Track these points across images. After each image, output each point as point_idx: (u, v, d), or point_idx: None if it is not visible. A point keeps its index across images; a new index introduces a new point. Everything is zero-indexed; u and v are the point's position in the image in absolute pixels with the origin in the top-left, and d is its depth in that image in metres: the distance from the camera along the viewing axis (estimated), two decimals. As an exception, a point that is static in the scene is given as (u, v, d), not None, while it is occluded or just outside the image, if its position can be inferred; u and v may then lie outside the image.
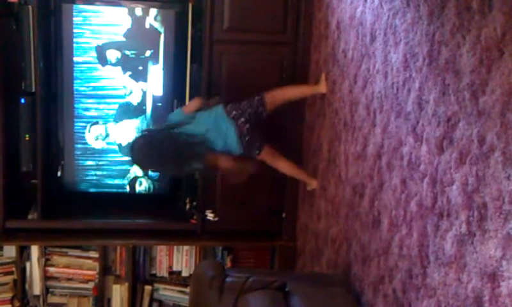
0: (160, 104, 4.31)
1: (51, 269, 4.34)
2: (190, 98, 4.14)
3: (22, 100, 4.01)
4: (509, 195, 1.71)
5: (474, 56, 1.93)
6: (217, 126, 3.54)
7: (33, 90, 3.98)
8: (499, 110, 1.78)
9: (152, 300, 4.53)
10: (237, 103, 3.62)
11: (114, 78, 4.25)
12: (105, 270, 4.44)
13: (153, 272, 4.53)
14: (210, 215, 4.26)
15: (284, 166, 3.81)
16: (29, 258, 4.28)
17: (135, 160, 3.67)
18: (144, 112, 4.31)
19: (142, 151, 3.50)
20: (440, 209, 2.14)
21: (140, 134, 3.71)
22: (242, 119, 3.54)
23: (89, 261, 4.38)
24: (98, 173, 4.40)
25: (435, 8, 2.23)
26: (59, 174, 4.31)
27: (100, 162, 4.39)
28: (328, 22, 3.69)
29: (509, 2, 1.74)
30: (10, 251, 4.26)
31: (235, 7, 4.01)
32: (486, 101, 1.86)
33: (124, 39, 4.18)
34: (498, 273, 1.76)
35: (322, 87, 3.68)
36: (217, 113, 3.58)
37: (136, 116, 4.32)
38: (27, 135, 4.05)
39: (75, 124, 4.28)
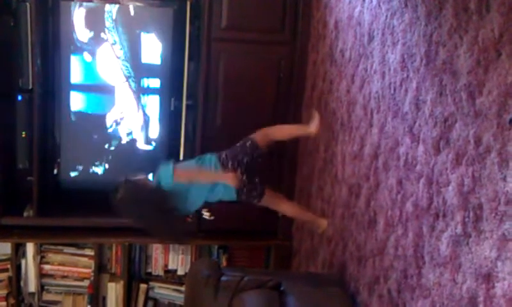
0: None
1: (46, 266, 4.34)
2: (187, 97, 4.14)
3: (19, 97, 4.00)
4: (505, 196, 1.71)
5: (471, 57, 1.93)
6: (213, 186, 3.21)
7: (30, 87, 3.97)
8: (496, 111, 1.78)
9: (147, 298, 4.52)
10: (231, 151, 3.25)
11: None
12: (101, 268, 4.43)
13: (149, 270, 4.52)
14: (206, 214, 4.26)
15: (288, 209, 3.55)
16: (24, 255, 4.27)
17: (122, 208, 3.20)
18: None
19: (127, 202, 3.12)
20: (436, 210, 2.14)
21: (129, 185, 3.31)
22: (240, 170, 3.19)
23: (85, 259, 4.37)
24: (95, 170, 4.40)
25: (433, 9, 2.24)
26: (55, 171, 4.30)
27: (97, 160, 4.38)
28: (326, 22, 3.69)
29: (507, 4, 1.74)
30: (5, 248, 4.25)
31: (234, 6, 4.01)
32: (482, 102, 1.86)
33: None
34: (493, 274, 1.76)
35: (312, 127, 3.34)
36: (210, 165, 3.21)
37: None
38: (23, 133, 4.05)
39: (72, 121, 4.27)
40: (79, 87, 4.25)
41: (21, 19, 3.89)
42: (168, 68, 4.26)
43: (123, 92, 4.29)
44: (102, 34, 4.18)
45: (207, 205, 3.31)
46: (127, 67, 4.25)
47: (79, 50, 4.17)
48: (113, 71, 4.24)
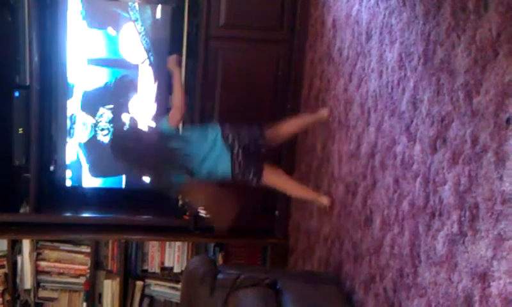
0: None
1: (42, 263, 4.33)
2: (185, 94, 4.13)
3: (16, 94, 3.99)
4: (501, 195, 1.71)
5: (469, 56, 1.94)
6: (212, 148, 3.28)
7: (27, 83, 3.96)
8: (493, 111, 1.78)
9: (143, 295, 4.52)
10: (235, 128, 3.34)
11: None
12: (97, 265, 4.43)
13: (145, 267, 4.52)
14: (202, 212, 4.25)
15: (289, 187, 3.60)
16: (20, 251, 4.27)
17: (113, 150, 3.30)
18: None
19: (125, 144, 3.25)
20: (432, 209, 2.14)
21: (129, 129, 3.36)
22: (238, 147, 3.27)
23: (81, 256, 4.37)
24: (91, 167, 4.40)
25: (431, 8, 2.24)
26: (51, 168, 4.29)
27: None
28: (324, 20, 3.69)
29: (505, 3, 1.74)
30: (1, 244, 4.24)
31: (232, 4, 4.01)
32: (479, 101, 1.86)
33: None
34: (488, 273, 1.76)
35: (324, 111, 3.51)
36: (213, 135, 3.29)
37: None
38: (20, 129, 4.03)
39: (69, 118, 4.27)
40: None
41: (18, 15, 3.87)
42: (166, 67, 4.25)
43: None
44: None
45: (209, 176, 3.28)
46: (146, 41, 4.25)
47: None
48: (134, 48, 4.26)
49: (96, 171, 4.39)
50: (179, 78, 3.42)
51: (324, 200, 3.44)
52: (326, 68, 3.60)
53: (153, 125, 3.45)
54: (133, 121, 3.29)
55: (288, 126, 3.62)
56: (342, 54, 3.32)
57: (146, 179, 3.66)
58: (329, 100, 3.51)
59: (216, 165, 3.28)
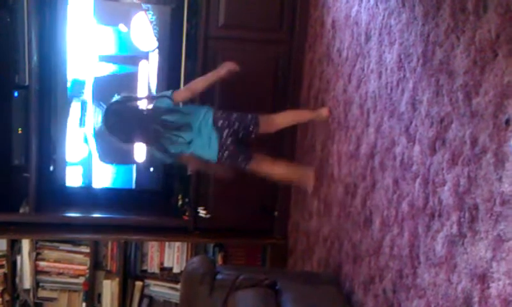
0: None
1: (42, 263, 4.33)
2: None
3: (15, 94, 3.99)
4: (500, 197, 1.72)
5: (468, 57, 1.94)
6: (200, 131, 3.38)
7: (27, 83, 3.96)
8: (492, 112, 1.78)
9: (142, 296, 4.52)
10: (227, 113, 3.43)
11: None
12: (96, 265, 4.43)
13: (145, 268, 4.52)
14: (202, 212, 4.26)
15: (277, 171, 3.64)
16: (20, 251, 4.27)
17: (106, 121, 3.41)
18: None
19: (116, 116, 3.37)
20: (432, 210, 2.15)
21: (121, 101, 3.49)
22: (227, 132, 3.36)
23: (80, 256, 4.36)
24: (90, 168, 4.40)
25: (430, 9, 2.24)
26: (51, 168, 4.29)
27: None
28: (324, 21, 3.69)
29: (504, 4, 1.74)
30: (1, 244, 4.24)
31: (231, 4, 4.01)
32: (479, 102, 1.86)
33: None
34: (488, 274, 1.76)
35: (324, 111, 3.52)
36: (204, 118, 3.40)
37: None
38: (19, 129, 4.03)
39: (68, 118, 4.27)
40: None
41: (18, 15, 3.87)
42: (165, 66, 4.25)
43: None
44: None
45: (196, 152, 3.43)
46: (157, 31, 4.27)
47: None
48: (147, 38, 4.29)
49: (107, 158, 4.38)
50: (216, 77, 3.56)
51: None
52: (325, 69, 3.60)
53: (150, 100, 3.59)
54: (125, 97, 3.42)
55: (285, 118, 3.67)
56: (342, 54, 3.32)
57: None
58: (328, 100, 3.51)
59: (203, 147, 3.38)
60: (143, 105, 3.51)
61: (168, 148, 3.38)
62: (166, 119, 3.35)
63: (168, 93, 3.46)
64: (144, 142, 3.53)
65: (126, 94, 3.47)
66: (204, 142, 3.37)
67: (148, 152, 3.69)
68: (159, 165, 4.36)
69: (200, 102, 3.84)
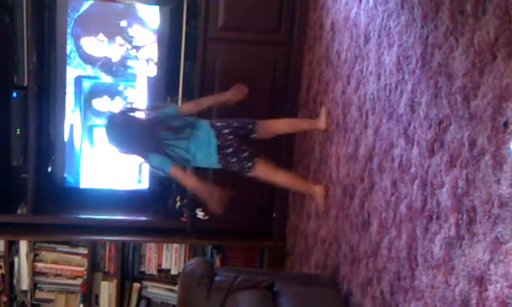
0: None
1: (39, 264, 4.33)
2: (183, 96, 4.14)
3: (14, 94, 3.99)
4: (498, 199, 1.71)
5: (467, 59, 1.94)
6: (200, 138, 3.34)
7: (25, 84, 3.96)
8: (490, 114, 1.78)
9: (140, 297, 4.52)
10: (224, 119, 3.42)
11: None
12: (94, 266, 4.42)
13: (142, 269, 4.52)
14: (200, 214, 4.25)
15: (282, 179, 3.53)
16: (17, 252, 4.26)
17: (107, 133, 3.42)
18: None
19: (117, 127, 3.36)
20: (430, 212, 2.14)
21: (123, 112, 3.53)
22: (226, 130, 3.32)
23: (78, 258, 4.36)
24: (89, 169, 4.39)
25: (429, 11, 2.24)
26: (49, 169, 4.29)
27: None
28: (323, 23, 3.70)
29: (503, 6, 1.74)
30: (-2, 245, 4.25)
31: (230, 6, 4.01)
32: (477, 104, 1.86)
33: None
34: (485, 277, 1.76)
35: (321, 123, 3.46)
36: (206, 126, 3.37)
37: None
38: (18, 130, 4.03)
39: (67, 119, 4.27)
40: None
41: (17, 15, 3.87)
42: (164, 67, 4.25)
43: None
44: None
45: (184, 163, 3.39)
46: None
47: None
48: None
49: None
50: (224, 98, 3.61)
51: (318, 189, 3.44)
52: (324, 70, 3.60)
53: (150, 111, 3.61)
54: (126, 107, 3.46)
55: (282, 125, 3.66)
56: (340, 56, 3.32)
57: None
58: (327, 102, 3.51)
59: (203, 153, 3.34)
60: (146, 115, 3.53)
61: (170, 154, 3.31)
62: (170, 123, 3.35)
63: (173, 107, 3.51)
64: (144, 151, 3.40)
65: (129, 105, 3.49)
66: (204, 148, 3.33)
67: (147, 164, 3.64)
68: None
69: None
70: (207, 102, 3.59)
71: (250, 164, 3.33)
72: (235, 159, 3.33)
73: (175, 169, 3.31)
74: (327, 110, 3.47)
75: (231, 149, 3.32)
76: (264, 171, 3.38)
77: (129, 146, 3.37)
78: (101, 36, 4.19)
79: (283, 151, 4.18)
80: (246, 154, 3.33)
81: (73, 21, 4.11)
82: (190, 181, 3.41)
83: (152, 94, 4.31)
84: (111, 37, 4.20)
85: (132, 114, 3.46)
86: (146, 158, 3.40)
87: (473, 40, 1.90)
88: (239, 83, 3.61)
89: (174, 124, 3.35)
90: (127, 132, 3.34)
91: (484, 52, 1.84)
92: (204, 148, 3.34)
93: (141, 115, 3.49)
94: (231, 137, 3.32)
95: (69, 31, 4.11)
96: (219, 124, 3.37)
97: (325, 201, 3.41)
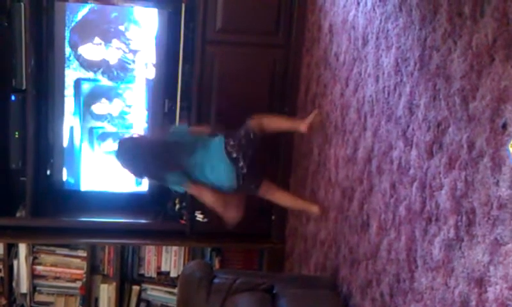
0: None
1: (39, 267, 4.32)
2: (181, 98, 4.14)
3: (13, 97, 3.99)
4: (497, 200, 1.72)
5: (465, 62, 1.94)
6: (212, 161, 3.27)
7: (24, 87, 3.96)
8: (489, 116, 1.78)
9: (139, 300, 4.52)
10: (235, 139, 3.27)
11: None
12: (93, 269, 4.42)
13: (142, 272, 4.52)
14: (199, 216, 4.25)
15: (283, 199, 3.56)
16: (16, 255, 4.26)
17: (120, 159, 3.40)
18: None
19: (128, 152, 3.35)
20: (429, 214, 2.15)
21: (131, 137, 3.56)
22: (242, 163, 3.24)
23: (77, 260, 4.36)
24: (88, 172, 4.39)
25: (427, 13, 2.24)
26: (48, 172, 4.29)
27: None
28: (321, 25, 3.70)
29: (501, 8, 1.74)
30: (-3, 248, 4.24)
31: (228, 8, 4.01)
32: (476, 106, 1.86)
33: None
34: (485, 278, 1.76)
35: (302, 126, 3.36)
36: (219, 145, 3.28)
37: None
38: (16, 133, 4.03)
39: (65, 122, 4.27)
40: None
41: (15, 19, 3.87)
42: (163, 70, 4.26)
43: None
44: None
45: (208, 184, 3.31)
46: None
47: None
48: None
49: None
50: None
51: (315, 209, 3.45)
52: (322, 73, 3.61)
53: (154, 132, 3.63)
54: (135, 133, 3.48)
55: (279, 124, 3.56)
56: (339, 58, 3.33)
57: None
58: (325, 104, 3.51)
59: (220, 176, 3.26)
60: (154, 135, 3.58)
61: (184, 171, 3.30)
62: (179, 140, 3.33)
63: (183, 128, 3.54)
64: (159, 171, 3.37)
65: (136, 134, 3.54)
66: (218, 172, 3.27)
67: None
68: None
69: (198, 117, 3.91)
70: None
71: (256, 188, 3.34)
72: (244, 185, 3.31)
73: (192, 184, 3.29)
74: (319, 114, 3.42)
75: (244, 181, 3.28)
76: (266, 193, 3.40)
77: (143, 168, 3.34)
78: (97, 39, 4.20)
79: (281, 154, 4.18)
80: (255, 183, 3.34)
81: (69, 31, 4.11)
82: (207, 196, 3.34)
83: (150, 97, 4.31)
84: (107, 40, 4.20)
85: (140, 136, 3.47)
86: (161, 179, 3.38)
87: (472, 42, 1.90)
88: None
89: (185, 141, 3.32)
90: (138, 154, 3.31)
91: (482, 54, 1.84)
92: (219, 173, 3.28)
93: (149, 136, 3.51)
94: (246, 168, 3.25)
95: (67, 36, 4.11)
96: (235, 155, 3.24)
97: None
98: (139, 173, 3.48)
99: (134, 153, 3.32)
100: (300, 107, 4.08)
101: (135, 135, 3.51)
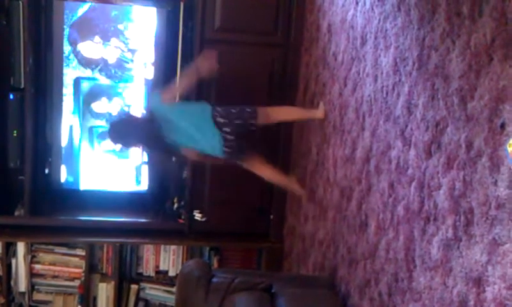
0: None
1: (37, 266, 4.32)
2: (180, 98, 4.13)
3: (11, 96, 3.99)
4: (496, 200, 1.72)
5: (463, 61, 1.94)
6: (201, 129, 3.42)
7: (22, 86, 3.97)
8: (487, 116, 1.79)
9: (138, 299, 4.51)
10: (226, 109, 3.44)
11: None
12: (92, 268, 4.42)
13: (140, 271, 4.51)
14: (198, 215, 4.25)
15: (270, 174, 3.69)
16: (15, 254, 4.26)
17: (110, 133, 3.63)
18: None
19: (118, 128, 3.56)
20: (427, 213, 2.15)
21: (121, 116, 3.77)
22: (228, 130, 3.38)
23: (76, 259, 4.35)
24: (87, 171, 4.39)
25: (426, 13, 2.24)
26: (46, 171, 4.29)
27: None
28: (319, 25, 3.70)
29: (499, 8, 1.74)
30: (-4, 247, 4.24)
31: (227, 8, 4.01)
32: (474, 106, 1.86)
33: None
34: (483, 278, 1.77)
35: (320, 113, 3.51)
36: (203, 116, 3.43)
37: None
38: (15, 131, 4.03)
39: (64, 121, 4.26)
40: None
41: (13, 18, 3.88)
42: (161, 69, 4.25)
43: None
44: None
45: (195, 148, 3.52)
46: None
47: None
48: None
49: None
50: (198, 71, 3.56)
51: (300, 190, 3.74)
52: (321, 72, 3.61)
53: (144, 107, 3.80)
54: (124, 110, 3.61)
55: (282, 114, 3.73)
56: (337, 58, 3.33)
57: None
58: (324, 103, 3.51)
59: (205, 143, 3.43)
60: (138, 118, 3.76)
61: (171, 145, 3.49)
62: (163, 116, 3.45)
63: (156, 97, 3.60)
64: (147, 147, 3.77)
65: (126, 111, 3.80)
66: (206, 139, 3.41)
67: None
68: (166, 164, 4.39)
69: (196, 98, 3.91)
70: (182, 85, 3.66)
71: (242, 160, 3.53)
72: (230, 155, 3.46)
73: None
74: (324, 103, 3.52)
75: (230, 150, 3.42)
76: (253, 167, 3.58)
77: (134, 139, 3.58)
78: (97, 38, 4.19)
79: (280, 153, 4.18)
80: (241, 155, 3.51)
81: (68, 28, 4.11)
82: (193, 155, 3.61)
83: (149, 96, 4.31)
84: (106, 39, 4.20)
85: (130, 116, 3.64)
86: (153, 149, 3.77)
87: (470, 42, 1.91)
88: (207, 50, 3.70)
89: (168, 117, 3.45)
90: (130, 126, 3.54)
91: (480, 54, 1.84)
92: (209, 141, 3.42)
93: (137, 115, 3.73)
94: (232, 138, 3.40)
95: (66, 33, 4.11)
96: (222, 121, 3.40)
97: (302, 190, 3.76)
98: (128, 142, 3.70)
99: (125, 125, 3.57)
100: (299, 106, 4.08)
101: (125, 113, 3.66)
